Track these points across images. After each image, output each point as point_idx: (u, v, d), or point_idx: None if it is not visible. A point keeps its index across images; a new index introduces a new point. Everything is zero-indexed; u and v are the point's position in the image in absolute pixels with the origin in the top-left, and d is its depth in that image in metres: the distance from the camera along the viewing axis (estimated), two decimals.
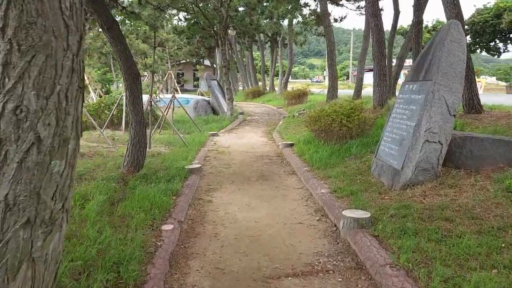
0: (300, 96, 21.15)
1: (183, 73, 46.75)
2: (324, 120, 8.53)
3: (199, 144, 10.57)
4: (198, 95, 26.63)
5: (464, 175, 5.33)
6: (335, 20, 22.96)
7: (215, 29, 17.63)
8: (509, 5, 23.86)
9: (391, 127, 6.26)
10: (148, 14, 9.07)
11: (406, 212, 4.50)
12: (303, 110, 15.55)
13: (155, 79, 25.33)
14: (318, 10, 20.12)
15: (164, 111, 12.62)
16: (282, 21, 25.50)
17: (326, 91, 31.11)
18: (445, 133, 5.33)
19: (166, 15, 17.41)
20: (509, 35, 25.09)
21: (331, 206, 5.17)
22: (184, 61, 41.84)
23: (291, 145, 10.03)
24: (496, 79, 41.96)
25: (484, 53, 28.13)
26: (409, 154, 5.41)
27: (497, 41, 26.30)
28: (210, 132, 12.64)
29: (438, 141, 5.27)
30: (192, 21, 19.77)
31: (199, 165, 7.59)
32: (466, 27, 28.03)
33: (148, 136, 9.51)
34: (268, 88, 34.03)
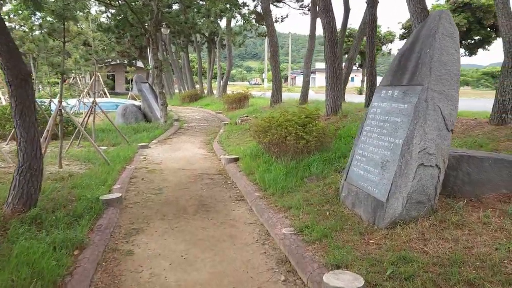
0: (241, 100, 19.76)
1: (113, 75, 43.62)
2: (276, 131, 7.12)
3: (125, 160, 8.74)
4: (129, 99, 24.37)
5: (466, 207, 4.13)
6: (276, 21, 21.83)
7: (146, 26, 15.70)
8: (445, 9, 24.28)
9: (366, 143, 4.96)
10: (54, 1, 7.16)
11: (408, 270, 3.19)
12: (246, 116, 14.13)
13: (79, 81, 22.72)
14: (259, 9, 18.87)
15: (84, 119, 10.60)
16: (220, 21, 23.99)
17: (267, 94, 30.06)
18: (442, 154, 4.10)
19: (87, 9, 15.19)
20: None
21: (300, 258, 3.74)
22: (114, 62, 38.90)
23: (236, 159, 8.53)
24: None
25: None
26: (397, 181, 4.12)
27: None
28: (140, 144, 10.80)
29: (436, 165, 4.03)
30: (120, 17, 17.64)
31: (120, 194, 5.84)
32: (404, 30, 28.36)
33: (59, 152, 7.57)
34: (206, 92, 32.37)
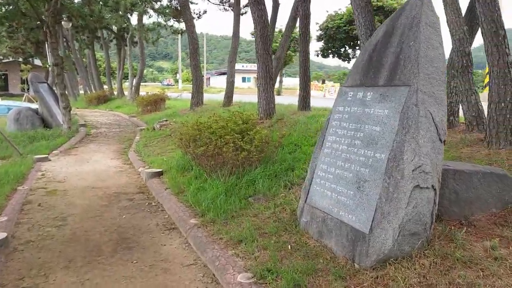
0: (157, 102, 18.15)
1: (6, 74, 38.74)
2: (210, 140, 5.97)
3: (16, 179, 6.96)
4: (25, 101, 21.40)
5: (465, 236, 3.38)
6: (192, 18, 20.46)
7: (42, 17, 13.50)
8: None
9: (331, 156, 4.05)
10: None
11: None
12: (165, 120, 12.72)
13: None
14: (175, 3, 17.45)
15: None
16: (131, 15, 21.99)
17: (184, 95, 28.52)
18: (437, 171, 3.30)
19: None
20: (357, 41, 26.19)
21: None
22: (6, 59, 34.45)
23: (160, 173, 7.21)
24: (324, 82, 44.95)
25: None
26: (383, 207, 3.24)
27: (347, 47, 27.41)
28: (37, 156, 8.92)
29: (432, 186, 3.21)
30: (9, 7, 15.07)
31: (5, 234, 4.29)
32: (320, 32, 28.66)
33: None
34: (116, 93, 29.87)
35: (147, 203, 5.99)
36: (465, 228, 3.46)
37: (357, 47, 27.39)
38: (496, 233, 3.38)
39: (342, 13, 26.49)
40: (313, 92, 27.50)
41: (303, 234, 4.06)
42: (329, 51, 27.81)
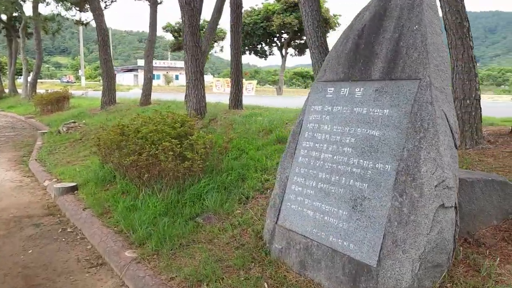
0: (59, 101, 16.03)
1: None
2: (141, 147, 4.89)
3: None
4: None
5: (481, 258, 2.83)
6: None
7: None
8: (277, 8, 24.58)
9: (309, 167, 3.30)
10: None
11: None
12: (73, 122, 11.05)
13: None
14: None
15: None
16: (24, 2, 19.25)
17: (90, 93, 26.02)
18: (456, 184, 2.69)
19: None
20: (274, 38, 26.03)
21: None
22: None
23: (74, 188, 5.89)
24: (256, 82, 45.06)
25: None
26: (395, 232, 2.56)
27: (263, 44, 27.10)
28: None
29: (454, 205, 2.59)
30: None
31: None
32: None
33: None
34: (7, 91, 26.32)
35: (60, 229, 4.72)
36: (460, 242, 2.92)
37: (273, 44, 27.33)
38: (510, 252, 2.89)
39: (259, 9, 26.13)
40: (226, 89, 26.84)
41: (279, 265, 3.25)
42: (246, 48, 27.31)
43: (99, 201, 5.07)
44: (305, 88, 67.01)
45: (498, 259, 2.78)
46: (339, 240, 2.90)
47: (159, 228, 3.98)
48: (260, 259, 3.36)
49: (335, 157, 3.10)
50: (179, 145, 4.88)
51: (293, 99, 23.55)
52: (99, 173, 6.03)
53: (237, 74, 9.50)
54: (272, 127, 6.90)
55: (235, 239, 3.74)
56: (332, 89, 3.31)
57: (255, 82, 29.87)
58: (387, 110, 2.83)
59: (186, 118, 5.66)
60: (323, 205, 3.09)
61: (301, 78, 74.54)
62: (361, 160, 2.89)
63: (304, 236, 3.17)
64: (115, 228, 4.34)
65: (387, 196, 2.66)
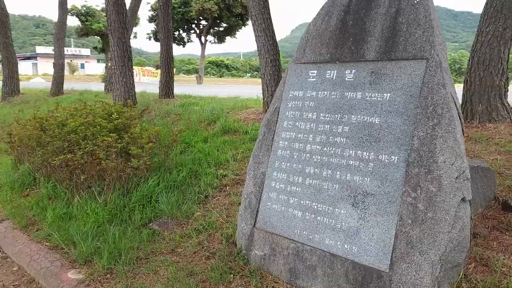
0: None
1: None
2: (69, 144, 4.13)
3: None
4: None
5: (484, 251, 2.67)
6: None
7: None
8: None
9: (292, 161, 2.90)
10: None
11: None
12: None
13: None
14: None
15: None
16: None
17: None
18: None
19: None
20: (192, 25, 25.00)
21: None
22: None
23: None
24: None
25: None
26: (410, 232, 2.27)
27: (181, 31, 25.92)
28: None
29: (471, 197, 2.36)
30: None
31: None
32: (152, 12, 26.38)
33: None
34: None
35: None
36: (473, 241, 2.76)
37: (191, 31, 26.30)
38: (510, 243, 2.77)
39: None
40: (147, 79, 25.42)
41: (263, 275, 2.83)
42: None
43: (20, 210, 4.21)
44: (220, 77, 66.66)
45: (501, 251, 2.64)
46: (338, 243, 2.55)
47: (107, 240, 3.32)
48: (239, 269, 2.91)
49: (325, 149, 2.74)
50: (119, 140, 4.20)
51: (218, 87, 23.02)
52: (13, 175, 5.06)
53: (167, 60, 8.75)
54: (215, 117, 6.39)
55: (203, 247, 3.24)
56: (315, 72, 2.93)
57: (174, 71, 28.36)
58: (388, 94, 2.52)
59: (122, 109, 4.93)
60: (314, 204, 2.72)
61: (216, 67, 73.83)
62: (360, 152, 2.56)
63: (293, 240, 2.78)
64: (48, 243, 3.58)
65: (396, 191, 2.36)
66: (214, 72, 72.88)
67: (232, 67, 75.45)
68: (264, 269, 2.89)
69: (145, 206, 3.89)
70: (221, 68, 72.92)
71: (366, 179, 2.51)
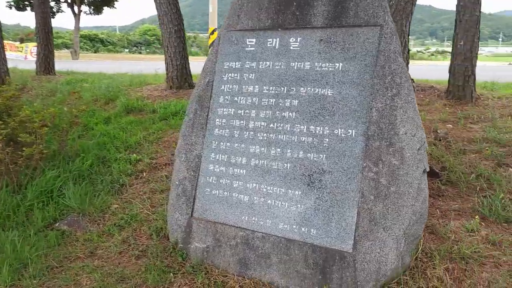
0: None
1: None
2: None
3: None
4: None
5: (428, 219, 2.73)
6: None
7: None
8: None
9: (233, 140, 2.61)
10: None
11: None
12: None
13: None
14: None
15: None
16: None
17: None
18: None
19: None
20: None
21: None
22: None
23: None
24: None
25: None
26: (373, 208, 2.18)
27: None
28: None
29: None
30: None
31: None
32: None
33: None
34: None
35: None
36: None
37: (62, 0, 23.46)
38: (453, 207, 2.88)
39: None
40: (10, 54, 22.16)
41: (208, 269, 2.53)
42: (27, 2, 22.55)
43: None
44: (95, 52, 61.77)
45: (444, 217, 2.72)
46: (294, 227, 2.36)
47: (4, 250, 2.67)
48: (178, 266, 2.56)
49: (272, 125, 2.49)
50: (2, 126, 3.42)
51: (98, 63, 21.05)
52: None
53: (45, 31, 7.52)
54: (112, 95, 5.69)
55: (130, 245, 2.79)
56: (254, 40, 2.64)
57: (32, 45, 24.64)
58: (340, 64, 2.35)
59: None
60: (262, 186, 2.48)
61: (89, 41, 68.11)
62: (312, 127, 2.37)
63: (241, 227, 2.51)
64: None
65: (356, 167, 2.23)
66: (87, 47, 67.16)
67: (108, 42, 70.26)
68: (209, 262, 2.58)
69: (46, 203, 3.24)
70: (95, 42, 67.37)
71: (321, 156, 2.33)
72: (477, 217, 2.61)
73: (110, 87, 5.99)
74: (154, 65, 12.33)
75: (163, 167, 3.86)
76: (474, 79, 4.91)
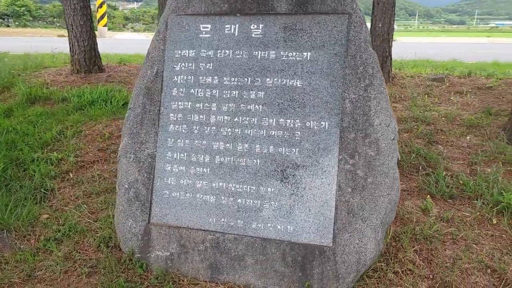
0: None
1: None
2: None
3: None
4: None
5: None
6: None
7: None
8: None
9: (192, 137, 2.39)
10: None
11: None
12: None
13: None
14: None
15: None
16: None
17: None
18: None
19: None
20: None
21: None
22: None
23: None
24: None
25: None
26: (351, 201, 2.18)
27: None
28: None
29: None
30: None
31: None
32: None
33: None
34: None
35: None
36: None
37: None
38: (402, 188, 3.01)
39: None
40: None
41: (176, 279, 2.33)
42: None
43: None
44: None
45: None
46: (269, 225, 2.26)
47: None
48: (140, 280, 2.32)
49: (236, 119, 2.33)
50: None
51: None
52: None
53: None
54: (6, 81, 4.90)
55: (75, 262, 2.45)
56: (209, 26, 2.41)
57: None
58: (309, 53, 2.26)
59: None
60: (230, 185, 2.32)
61: None
62: (282, 120, 2.26)
63: (209, 230, 2.34)
64: None
65: (332, 159, 2.19)
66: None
67: None
68: (175, 271, 2.37)
69: None
70: None
71: (294, 150, 2.25)
72: (428, 196, 2.78)
73: (1, 72, 5.15)
74: (29, 41, 10.89)
75: (91, 165, 3.44)
76: (391, 59, 5.23)
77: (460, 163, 3.21)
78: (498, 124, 3.82)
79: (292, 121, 2.25)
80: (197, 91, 2.39)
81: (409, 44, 16.03)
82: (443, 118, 4.00)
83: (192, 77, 2.41)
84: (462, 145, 3.49)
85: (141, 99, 2.49)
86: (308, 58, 2.25)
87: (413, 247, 2.36)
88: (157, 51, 2.49)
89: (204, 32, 2.41)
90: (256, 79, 2.31)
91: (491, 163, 3.16)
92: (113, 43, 14.72)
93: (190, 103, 2.40)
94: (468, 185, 2.86)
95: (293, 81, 2.26)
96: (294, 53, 2.27)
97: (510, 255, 2.30)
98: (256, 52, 2.32)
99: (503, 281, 2.14)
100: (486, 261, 2.26)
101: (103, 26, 19.21)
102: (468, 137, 3.62)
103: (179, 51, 2.44)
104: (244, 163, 2.31)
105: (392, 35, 5.19)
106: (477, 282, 2.15)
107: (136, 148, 2.49)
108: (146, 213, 2.44)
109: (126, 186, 2.49)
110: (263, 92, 2.30)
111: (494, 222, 2.57)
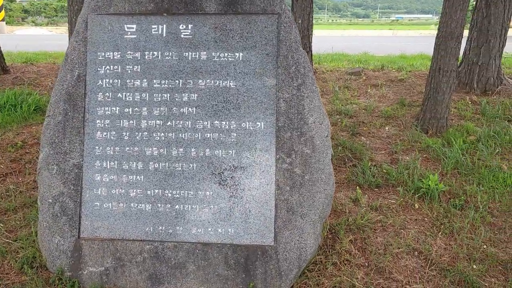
0: None
1: None
2: None
3: None
4: None
5: None
6: None
7: None
8: None
9: (122, 144, 2.27)
10: None
11: None
12: None
13: None
14: None
15: None
16: None
17: None
18: None
19: None
20: None
21: None
22: None
23: None
24: None
25: None
26: (290, 199, 2.23)
27: None
28: None
29: None
30: None
31: None
32: None
33: None
34: None
35: None
36: None
37: None
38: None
39: None
40: None
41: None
42: None
43: None
44: None
45: None
46: (209, 229, 2.23)
47: None
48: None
49: (169, 123, 2.25)
50: None
51: None
52: None
53: None
54: None
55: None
56: (134, 26, 2.29)
57: None
58: (241, 54, 2.24)
59: None
60: (167, 192, 2.25)
61: None
62: (217, 122, 2.23)
63: (146, 240, 2.24)
64: None
65: (269, 159, 2.21)
66: None
67: None
68: (111, 286, 2.24)
69: None
70: None
71: (230, 152, 2.22)
72: (357, 187, 2.92)
73: None
74: None
75: (4, 178, 3.13)
76: (311, 54, 5.39)
77: (382, 153, 3.42)
78: (411, 114, 4.13)
79: (227, 122, 2.22)
80: (125, 95, 2.26)
81: (322, 38, 16.70)
82: (363, 111, 4.23)
83: (119, 80, 2.27)
84: (382, 135, 3.72)
85: (61, 105, 2.30)
86: (241, 59, 2.23)
87: (348, 237, 2.47)
88: (77, 53, 2.31)
89: (129, 33, 2.28)
90: (188, 81, 2.24)
91: (409, 152, 3.41)
92: (15, 39, 13.51)
93: (118, 108, 2.27)
94: (391, 174, 3.05)
95: (226, 82, 2.23)
96: (226, 54, 2.24)
97: (432, 237, 2.50)
98: (187, 53, 2.25)
99: (429, 261, 2.32)
100: (413, 244, 2.44)
101: (1, 20, 17.50)
102: (387, 128, 3.87)
103: (103, 53, 2.28)
104: (180, 168, 2.24)
105: (312, 31, 5.36)
106: (407, 265, 2.30)
107: (60, 159, 2.29)
108: (75, 227, 2.27)
109: (50, 200, 2.30)
110: (196, 94, 2.24)
111: (417, 207, 2.77)
